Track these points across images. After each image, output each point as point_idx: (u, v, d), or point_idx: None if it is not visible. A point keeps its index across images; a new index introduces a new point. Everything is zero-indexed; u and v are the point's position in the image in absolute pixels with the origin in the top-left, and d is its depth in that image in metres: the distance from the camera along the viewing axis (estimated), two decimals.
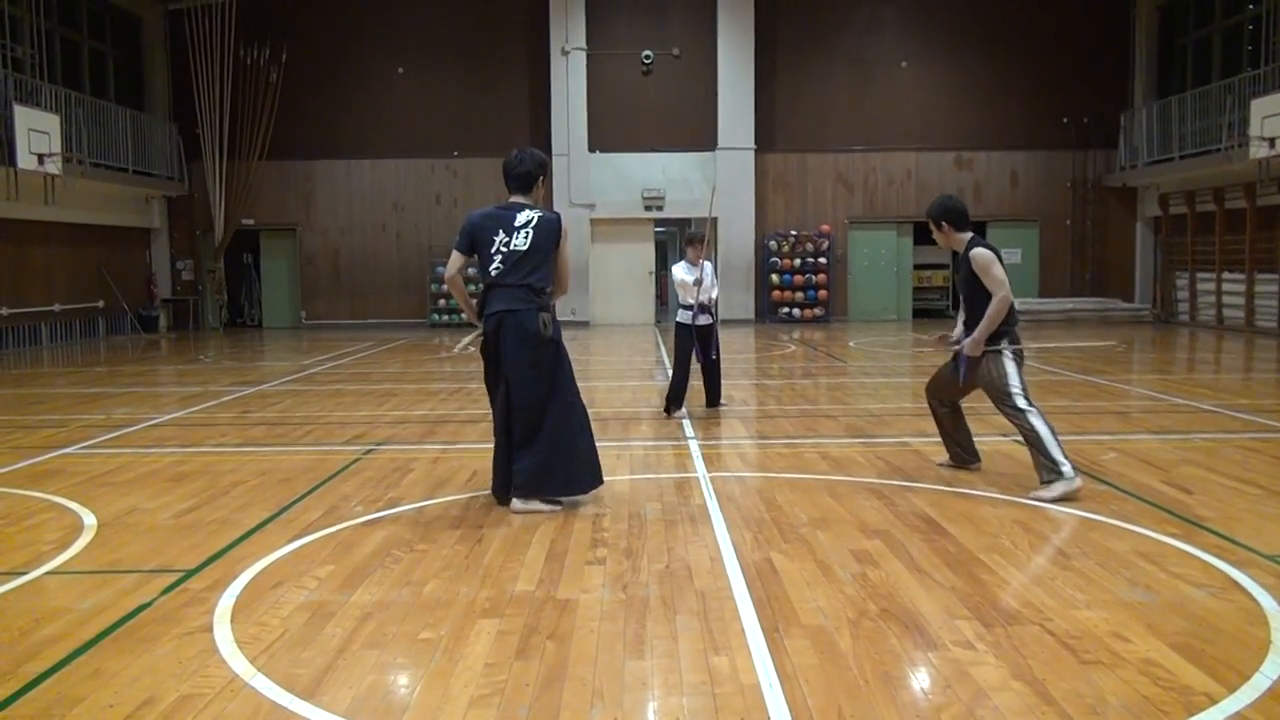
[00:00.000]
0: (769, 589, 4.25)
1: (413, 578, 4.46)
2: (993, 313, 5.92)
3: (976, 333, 6.01)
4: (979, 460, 6.59)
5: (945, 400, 6.50)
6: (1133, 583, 4.27)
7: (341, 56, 22.23)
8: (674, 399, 9.03)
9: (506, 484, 5.74)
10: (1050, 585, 4.26)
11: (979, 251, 5.99)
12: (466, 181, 22.35)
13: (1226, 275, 19.42)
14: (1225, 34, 19.99)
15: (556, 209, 20.50)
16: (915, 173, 22.52)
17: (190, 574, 4.54)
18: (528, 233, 5.61)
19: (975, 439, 6.69)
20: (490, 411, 5.99)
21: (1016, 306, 6.12)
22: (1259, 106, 16.39)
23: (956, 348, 6.25)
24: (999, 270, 5.96)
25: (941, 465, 6.70)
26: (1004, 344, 5.98)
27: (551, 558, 4.75)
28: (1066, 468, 5.69)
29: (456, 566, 4.62)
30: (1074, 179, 22.59)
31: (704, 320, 9.00)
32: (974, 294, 6.04)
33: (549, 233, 5.66)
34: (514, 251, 5.59)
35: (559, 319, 5.77)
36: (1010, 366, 5.95)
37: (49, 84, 17.50)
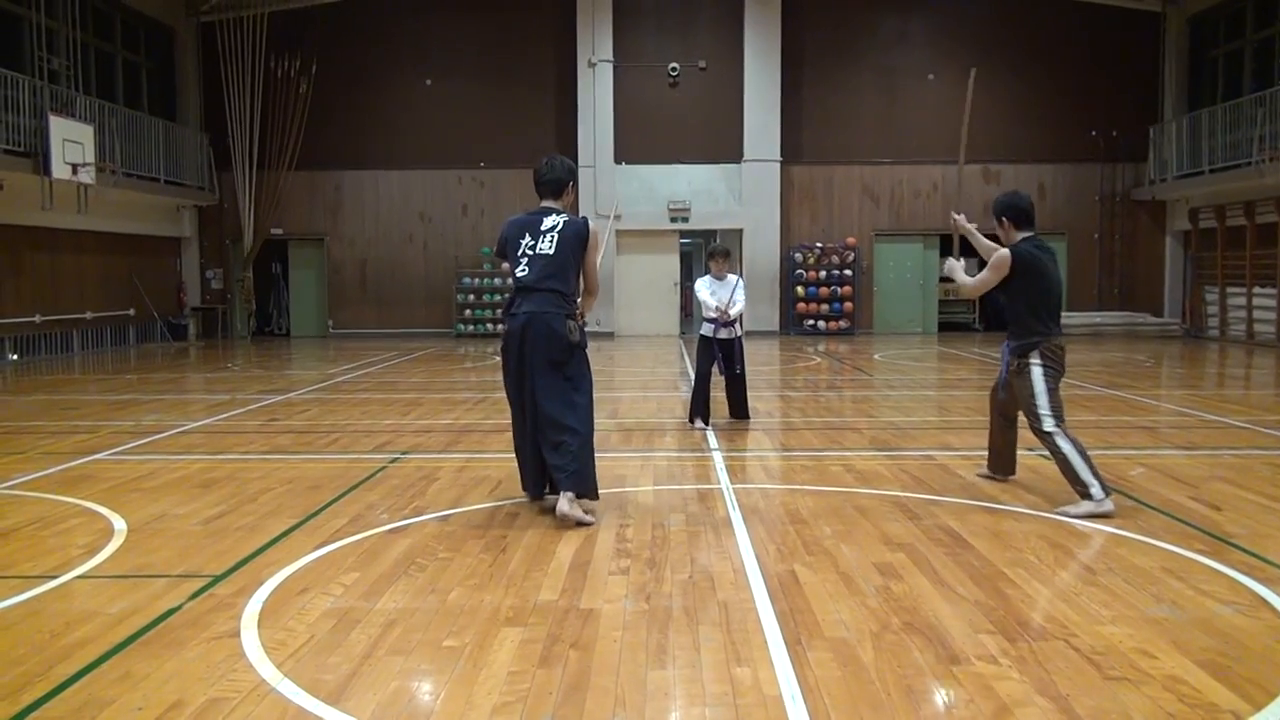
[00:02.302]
0: (792, 601, 4.25)
1: (437, 585, 4.49)
2: (973, 280, 6.19)
3: (961, 275, 6.38)
4: (1012, 475, 6.59)
5: (1002, 413, 6.44)
6: (1159, 599, 4.24)
7: (370, 68, 22.44)
8: (694, 410, 9.06)
9: (539, 479, 5.77)
10: (1075, 600, 4.23)
11: (1000, 252, 6.02)
12: (493, 192, 22.48)
13: (1257, 290, 19.21)
14: (1257, 47, 19.83)
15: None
16: (941, 185, 22.45)
17: (218, 579, 4.59)
18: (553, 237, 5.66)
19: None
20: (509, 413, 5.99)
21: (1059, 321, 6.08)
22: None
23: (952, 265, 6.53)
24: (988, 274, 6.00)
25: (980, 475, 6.74)
26: (1033, 355, 5.90)
27: (575, 567, 4.77)
28: (1096, 489, 5.63)
29: (481, 575, 4.65)
30: (1102, 192, 22.44)
31: (725, 334, 8.96)
32: (1011, 297, 6.01)
33: (575, 237, 5.69)
34: (540, 255, 5.64)
35: (585, 329, 5.81)
36: (1041, 384, 5.85)
37: (83, 95, 17.77)
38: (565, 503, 5.54)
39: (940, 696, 3.33)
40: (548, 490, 5.85)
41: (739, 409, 9.27)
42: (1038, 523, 5.54)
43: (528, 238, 5.69)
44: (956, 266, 6.58)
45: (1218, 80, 21.02)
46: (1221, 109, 19.60)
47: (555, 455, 5.59)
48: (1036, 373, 5.87)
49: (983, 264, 6.29)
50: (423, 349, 18.93)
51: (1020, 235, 6.06)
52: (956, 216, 6.68)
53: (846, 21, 22.33)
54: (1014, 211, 6.08)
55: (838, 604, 4.21)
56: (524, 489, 5.93)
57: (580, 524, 5.51)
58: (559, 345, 5.57)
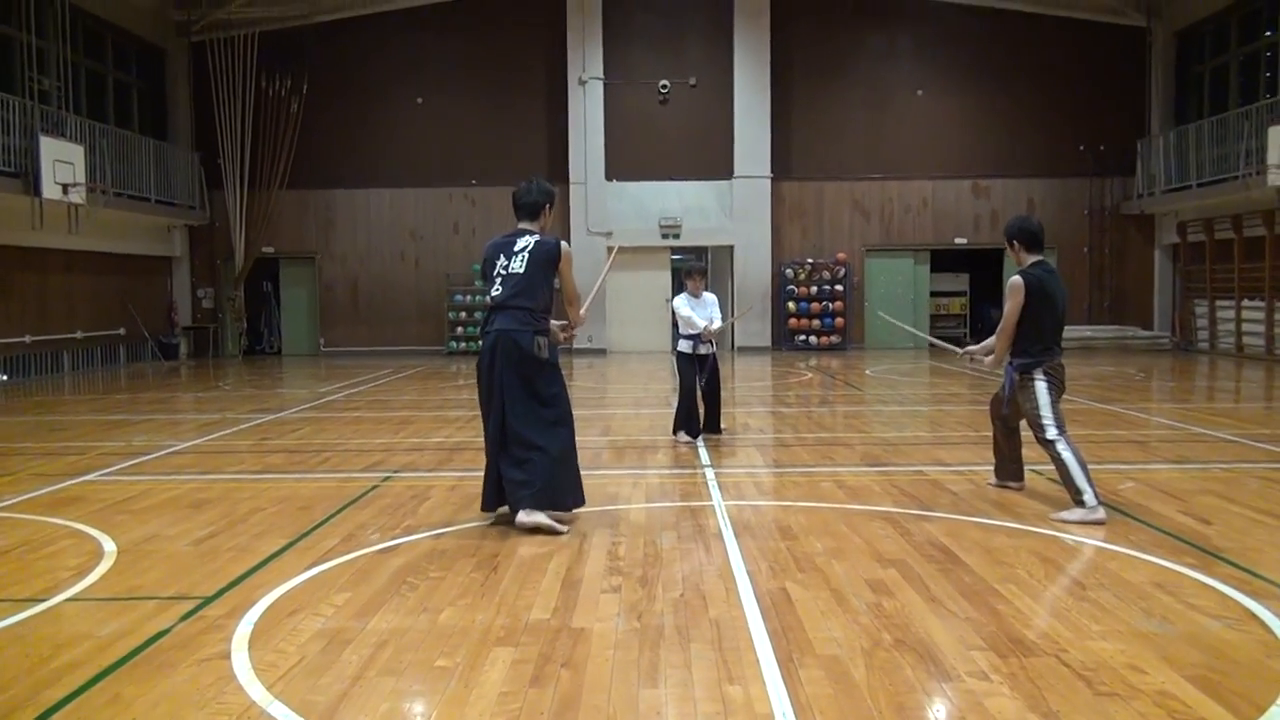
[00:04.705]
0: (784, 618, 4.25)
1: (429, 605, 4.48)
2: (994, 339, 6.40)
3: (988, 352, 6.51)
4: (1021, 482, 6.83)
5: (1002, 419, 6.70)
6: (1149, 614, 4.25)
7: (361, 87, 22.50)
8: (681, 424, 9.17)
9: (494, 496, 5.90)
10: (1066, 616, 4.25)
11: (1012, 279, 6.27)
12: (485, 210, 22.51)
13: (1246, 303, 19.32)
14: (1242, 61, 20.00)
15: (575, 237, 20.67)
16: (931, 200, 22.55)
17: (208, 601, 4.58)
18: (524, 257, 5.87)
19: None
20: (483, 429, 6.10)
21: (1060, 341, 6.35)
22: (1277, 134, 16.36)
23: (970, 351, 6.72)
24: (1009, 305, 6.20)
25: (989, 484, 6.95)
26: (1038, 373, 6.17)
27: (566, 586, 4.77)
28: (1089, 497, 5.85)
29: (472, 594, 4.64)
30: (1091, 206, 22.56)
31: (704, 349, 9.16)
32: (1021, 317, 6.22)
33: (544, 256, 5.87)
34: (511, 274, 5.85)
35: (568, 344, 5.92)
36: (1044, 397, 6.14)
37: (74, 115, 17.78)
38: (524, 515, 5.70)
39: (932, 713, 3.33)
40: (499, 506, 5.94)
41: (714, 423, 9.42)
42: (1029, 538, 5.56)
43: (502, 258, 5.91)
44: (974, 349, 6.82)
45: (1204, 94, 21.18)
46: (1208, 123, 19.73)
47: (517, 471, 5.72)
48: (1040, 386, 6.16)
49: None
50: (414, 367, 18.92)
51: (1031, 258, 6.36)
52: (968, 353, 6.86)
53: (835, 37, 22.47)
54: (1025, 235, 6.41)
55: (829, 621, 4.21)
56: (482, 506, 6.01)
57: (552, 532, 5.66)
58: (527, 361, 5.74)
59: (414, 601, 4.54)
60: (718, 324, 9.19)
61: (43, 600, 4.61)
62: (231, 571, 5.05)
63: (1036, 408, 6.13)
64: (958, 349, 7.10)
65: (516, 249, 5.89)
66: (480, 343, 6.00)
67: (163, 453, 8.97)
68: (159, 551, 5.48)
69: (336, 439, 9.75)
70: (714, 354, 9.32)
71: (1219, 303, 20.34)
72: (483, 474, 6.06)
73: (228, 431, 10.33)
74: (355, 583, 4.84)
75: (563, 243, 6.02)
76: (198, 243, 22.71)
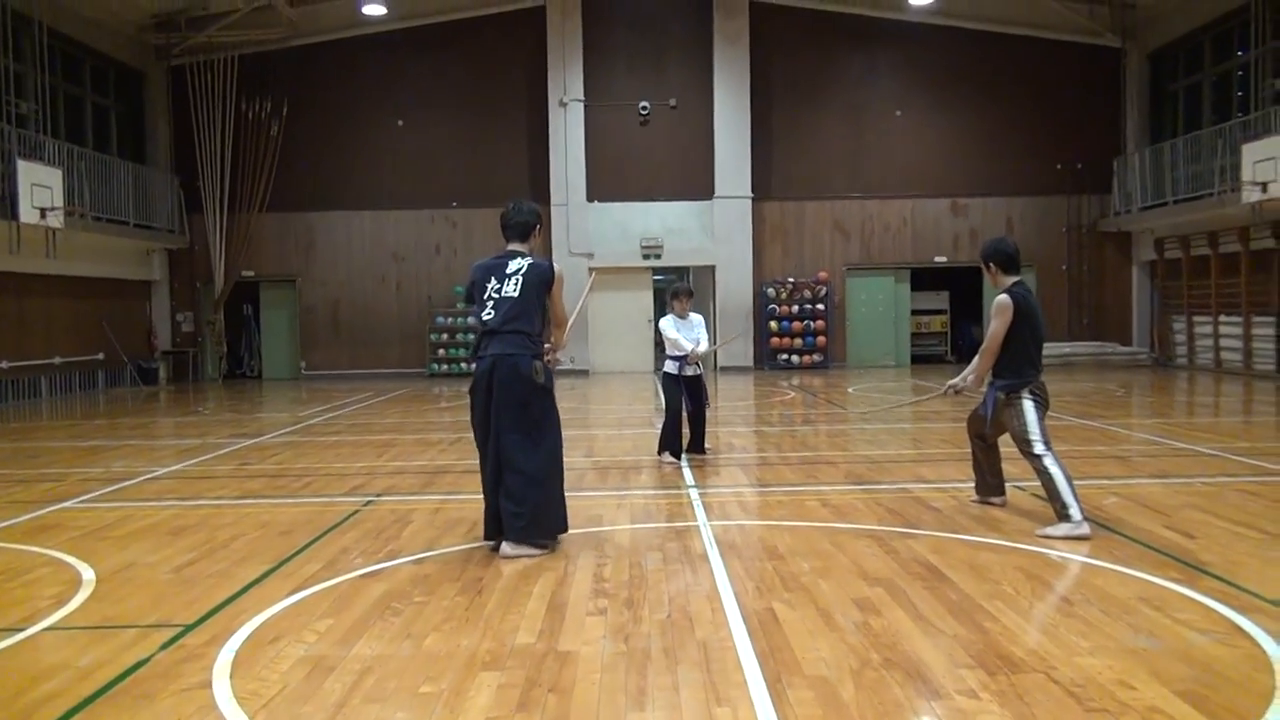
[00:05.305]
0: (771, 638, 4.23)
1: (413, 630, 4.44)
2: (976, 360, 6.45)
3: (971, 371, 6.54)
4: (1003, 497, 6.88)
5: (979, 436, 6.75)
6: (1136, 629, 4.26)
7: (342, 109, 22.49)
8: (665, 445, 9.15)
9: (495, 527, 5.83)
10: (1054, 632, 4.24)
11: (999, 298, 6.32)
12: (466, 232, 22.51)
13: (1223, 318, 19.49)
14: (1215, 81, 20.26)
15: (557, 258, 20.66)
16: (911, 219, 22.68)
17: (189, 629, 4.52)
18: (518, 280, 5.81)
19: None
20: (478, 455, 6.06)
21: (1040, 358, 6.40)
22: (1250, 151, 16.55)
23: (959, 386, 6.65)
24: (996, 323, 6.25)
25: (972, 501, 6.98)
26: (1024, 392, 6.23)
27: (552, 609, 4.73)
28: (1074, 512, 5.88)
29: (457, 619, 4.60)
30: (1069, 224, 22.74)
31: (690, 371, 9.17)
32: (1005, 339, 6.27)
33: (538, 279, 5.82)
34: (504, 298, 5.78)
35: (552, 368, 5.89)
36: (1031, 415, 6.20)
37: (52, 139, 17.69)
38: (508, 546, 5.70)
39: None
40: (500, 535, 5.86)
41: (699, 443, 9.44)
42: (1014, 554, 5.56)
43: (493, 281, 5.83)
44: (955, 383, 6.71)
45: (1178, 113, 21.42)
46: (1183, 141, 19.96)
47: (509, 502, 5.69)
48: (1028, 404, 6.23)
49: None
50: (396, 389, 18.83)
51: (1008, 279, 6.39)
52: (950, 388, 6.80)
53: (814, 58, 22.62)
54: (1001, 257, 6.44)
55: (817, 641, 4.19)
56: (485, 537, 5.94)
57: (533, 554, 5.67)
58: (525, 386, 5.69)
59: (398, 627, 4.49)
60: (704, 346, 9.20)
61: (20, 630, 4.54)
62: (212, 599, 4.99)
63: (1025, 426, 6.18)
64: (942, 391, 6.95)
65: (509, 271, 5.82)
66: (474, 366, 5.86)
67: (142, 478, 8.88)
68: (138, 579, 5.41)
69: (318, 463, 9.68)
70: (701, 375, 9.34)
71: (1196, 318, 20.52)
72: (481, 503, 5.97)
73: (208, 456, 10.24)
74: (338, 609, 4.79)
75: (556, 265, 5.99)
76: (177, 266, 22.59)
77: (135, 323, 21.67)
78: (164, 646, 4.27)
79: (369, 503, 7.52)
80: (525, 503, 5.66)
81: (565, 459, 6.16)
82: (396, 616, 4.64)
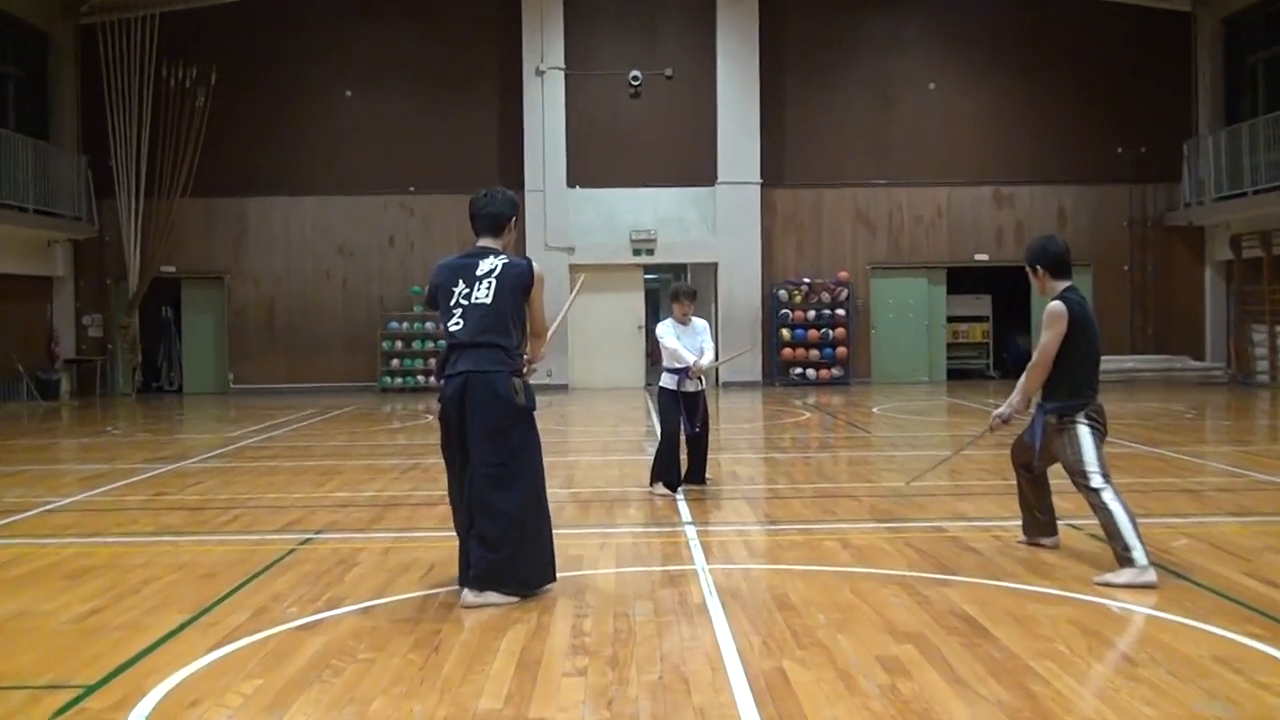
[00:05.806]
0: (781, 705, 4.21)
1: (357, 694, 4.41)
2: (1024, 378, 6.43)
3: (1017, 393, 6.50)
4: (1055, 537, 6.83)
5: (1026, 466, 6.71)
6: (1211, 694, 4.25)
7: (280, 78, 22.52)
8: (659, 474, 9.08)
9: (469, 570, 5.77)
10: (1114, 698, 4.23)
11: (1051, 305, 6.29)
12: (425, 221, 22.53)
13: None
14: None
15: (531, 254, 20.66)
16: (947, 210, 22.77)
17: (90, 690, 4.48)
18: (491, 283, 5.70)
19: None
20: (446, 489, 6.05)
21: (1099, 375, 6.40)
22: None
23: (1007, 415, 6.62)
24: (1048, 335, 6.23)
25: (1018, 542, 6.97)
26: (1079, 416, 6.21)
27: (522, 668, 4.71)
28: (1139, 554, 5.85)
29: (409, 680, 4.57)
30: (1131, 217, 22.87)
31: (691, 387, 9.10)
32: (1059, 351, 6.24)
33: (515, 281, 5.73)
34: (476, 304, 5.69)
35: (531, 384, 5.83)
36: (1087, 442, 6.17)
37: None
38: (470, 594, 5.64)
39: None
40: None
41: (699, 473, 9.36)
42: (1068, 605, 5.55)
43: (461, 284, 5.74)
44: (1001, 412, 6.67)
45: (1258, 88, 21.55)
46: (1264, 121, 20.08)
47: (483, 549, 5.63)
48: (1083, 430, 6.20)
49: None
50: (341, 406, 18.81)
51: (1059, 285, 6.37)
52: (998, 418, 6.79)
53: (835, 23, 22.74)
54: (1049, 259, 6.41)
55: (835, 708, 4.17)
56: (459, 583, 5.87)
57: (494, 605, 5.60)
58: (503, 409, 5.62)
59: (339, 690, 4.46)
60: (709, 358, 9.13)
61: None
62: (119, 654, 4.95)
63: (1079, 456, 6.15)
64: (989, 428, 6.96)
65: (480, 273, 5.72)
66: (441, 384, 5.80)
67: (38, 510, 8.83)
68: (32, 630, 5.37)
69: (247, 494, 9.65)
70: (703, 391, 9.28)
71: None
72: (444, 543, 5.95)
73: (117, 485, 10.20)
74: (268, 667, 4.76)
75: (535, 264, 5.89)
76: (84, 260, 22.56)
77: (33, 327, 21.61)
78: (60, 712, 4.23)
79: (307, 541, 7.49)
80: (501, 548, 5.61)
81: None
82: (337, 677, 4.62)
